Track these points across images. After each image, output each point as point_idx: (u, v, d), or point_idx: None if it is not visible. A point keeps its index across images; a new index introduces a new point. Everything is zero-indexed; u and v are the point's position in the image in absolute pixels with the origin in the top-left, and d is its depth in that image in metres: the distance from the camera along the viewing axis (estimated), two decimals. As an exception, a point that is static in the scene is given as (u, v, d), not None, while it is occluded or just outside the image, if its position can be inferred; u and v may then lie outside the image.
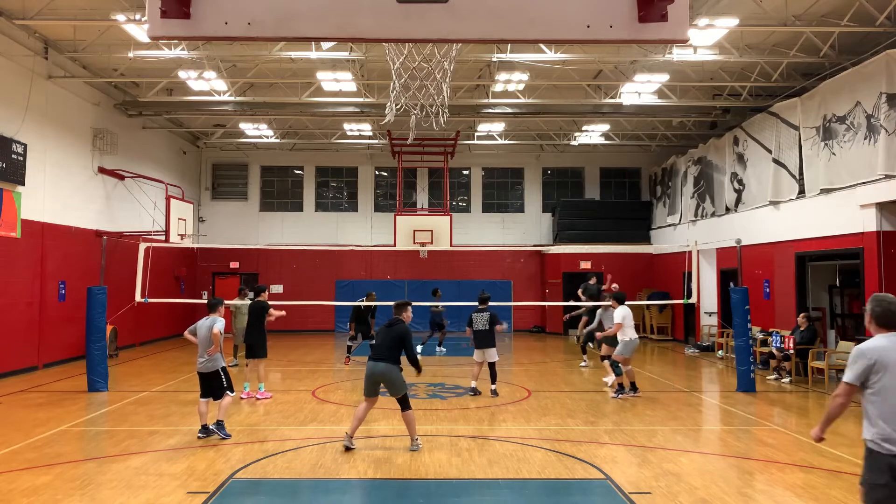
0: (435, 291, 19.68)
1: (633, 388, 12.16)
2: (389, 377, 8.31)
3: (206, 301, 10.39)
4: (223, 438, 8.84)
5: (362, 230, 26.48)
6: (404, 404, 8.36)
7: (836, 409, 4.56)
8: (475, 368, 12.42)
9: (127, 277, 14.57)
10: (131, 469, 7.50)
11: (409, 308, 8.85)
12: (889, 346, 4.36)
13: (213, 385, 9.05)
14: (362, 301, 17.14)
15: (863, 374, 4.36)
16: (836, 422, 10.00)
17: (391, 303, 22.85)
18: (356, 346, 17.36)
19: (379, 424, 9.86)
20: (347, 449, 8.24)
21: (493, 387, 12.22)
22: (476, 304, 12.69)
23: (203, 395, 9.15)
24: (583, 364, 16.48)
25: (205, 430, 8.97)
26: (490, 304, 12.62)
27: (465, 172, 27.05)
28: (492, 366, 12.22)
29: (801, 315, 14.49)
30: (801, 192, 15.37)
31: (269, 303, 12.58)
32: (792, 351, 14.06)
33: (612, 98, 18.29)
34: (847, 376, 4.43)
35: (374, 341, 16.66)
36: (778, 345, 14.48)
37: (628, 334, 12.01)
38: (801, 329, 14.19)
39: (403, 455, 8.11)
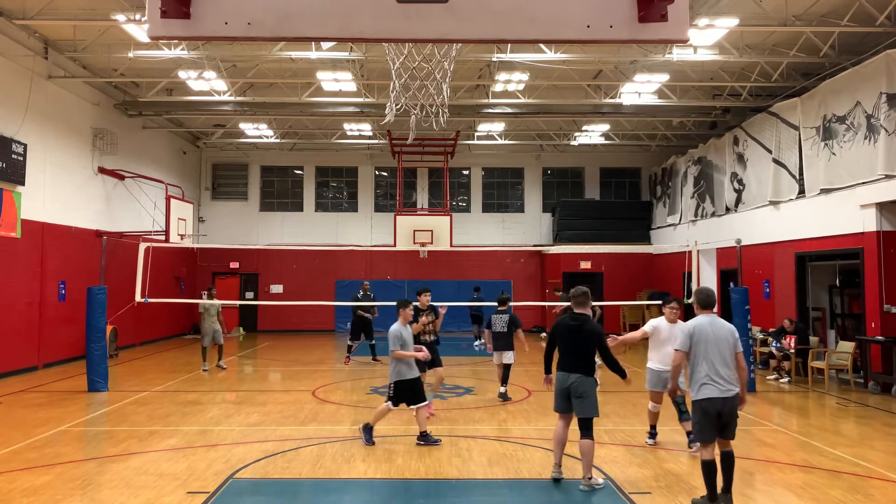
0: (477, 289, 21.77)
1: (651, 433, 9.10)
2: (582, 389, 6.86)
3: (205, 301, 10.16)
4: (434, 443, 8.50)
5: (362, 230, 26.48)
6: (588, 429, 6.83)
7: (676, 369, 6.57)
8: (499, 371, 12.01)
9: (127, 277, 14.56)
10: (131, 469, 7.49)
11: (590, 299, 7.27)
12: (706, 323, 6.22)
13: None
14: (359, 293, 17.13)
15: (687, 342, 6.23)
16: (837, 422, 10.08)
17: (392, 303, 22.97)
18: (356, 347, 17.36)
19: (379, 424, 9.85)
20: (556, 480, 7.06)
21: (503, 389, 11.84)
22: (496, 305, 12.35)
23: (409, 403, 8.70)
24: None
25: (423, 436, 8.65)
26: (491, 304, 12.50)
27: (465, 172, 27.05)
28: (507, 367, 11.87)
29: (786, 321, 14.44)
30: (801, 192, 15.37)
31: (434, 305, 11.15)
32: (792, 351, 14.06)
33: (612, 98, 18.29)
34: (678, 345, 6.40)
35: (372, 342, 16.80)
36: (777, 345, 14.49)
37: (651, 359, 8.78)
38: (787, 331, 14.25)
39: (403, 455, 8.10)
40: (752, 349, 13.21)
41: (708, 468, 6.16)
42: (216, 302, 15.70)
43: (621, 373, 7.08)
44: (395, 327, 8.59)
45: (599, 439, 8.99)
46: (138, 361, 17.20)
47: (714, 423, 6.14)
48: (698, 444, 7.69)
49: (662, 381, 8.40)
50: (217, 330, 15.42)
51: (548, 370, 7.45)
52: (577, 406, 6.88)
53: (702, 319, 6.30)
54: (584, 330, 6.95)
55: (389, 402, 8.59)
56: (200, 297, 25.15)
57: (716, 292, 6.64)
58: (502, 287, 25.19)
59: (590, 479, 6.85)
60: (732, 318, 13.61)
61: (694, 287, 14.78)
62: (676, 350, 6.43)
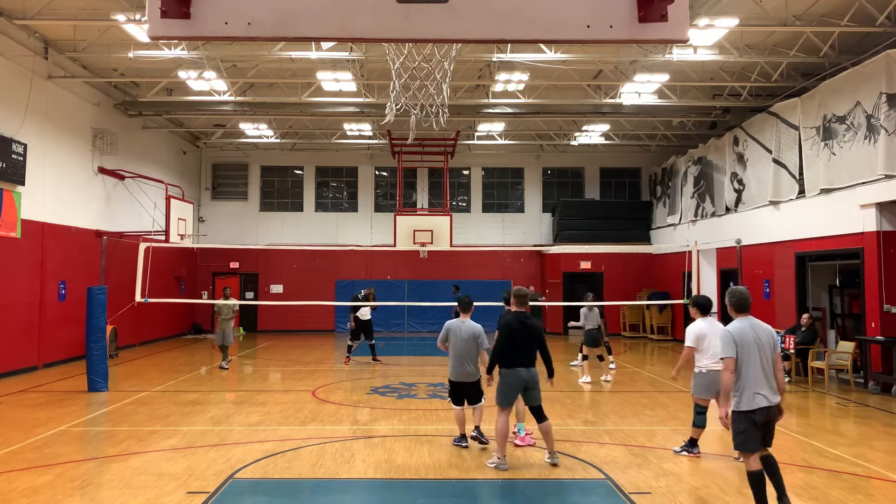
0: (456, 288, 22.27)
1: (692, 444, 8.20)
2: (535, 381, 7.57)
3: (205, 301, 10.06)
4: (484, 444, 8.41)
5: (362, 230, 26.49)
6: (542, 412, 7.63)
7: (730, 379, 5.81)
8: None
9: (127, 277, 14.56)
10: (131, 469, 7.50)
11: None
12: (747, 328, 5.80)
13: (473, 393, 8.44)
14: (360, 293, 17.14)
15: (734, 348, 5.72)
16: (837, 422, 10.06)
17: (392, 303, 22.84)
18: (356, 347, 17.35)
19: (379, 424, 9.86)
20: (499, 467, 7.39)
21: None
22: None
23: (458, 403, 8.48)
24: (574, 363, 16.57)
25: (463, 438, 8.49)
26: (491, 304, 12.64)
27: (465, 172, 27.05)
28: None
29: (805, 315, 14.46)
30: (801, 192, 15.37)
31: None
32: (792, 351, 14.06)
33: (612, 98, 18.29)
34: (724, 353, 5.80)
35: (372, 342, 16.79)
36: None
37: (702, 363, 7.99)
38: (803, 329, 14.19)
39: (403, 455, 8.10)
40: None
41: (756, 478, 5.83)
42: (229, 302, 15.92)
43: (552, 371, 7.70)
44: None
45: (599, 439, 9.00)
46: (138, 361, 17.21)
47: (760, 432, 5.84)
48: (695, 450, 8.07)
49: (703, 384, 7.92)
50: (227, 331, 15.64)
51: (491, 370, 7.87)
52: (530, 397, 7.55)
53: (741, 324, 5.86)
54: (534, 328, 7.60)
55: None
56: (200, 297, 25.29)
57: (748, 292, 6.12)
58: (503, 287, 25.13)
59: (554, 453, 7.61)
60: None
61: (694, 288, 14.80)
62: (725, 358, 5.81)
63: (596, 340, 14.25)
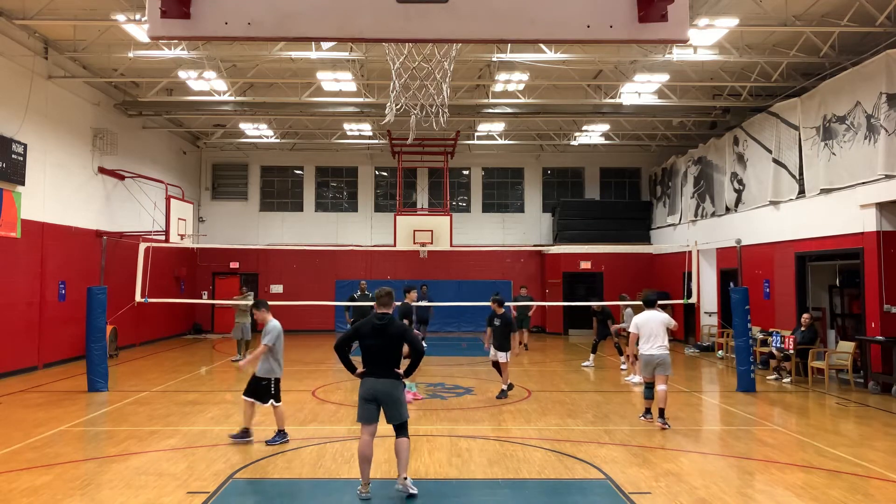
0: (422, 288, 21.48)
1: (660, 414, 9.69)
2: (391, 397, 6.64)
3: (205, 301, 10.20)
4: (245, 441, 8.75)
5: (362, 230, 26.48)
6: (403, 429, 6.71)
7: None
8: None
9: (127, 277, 14.57)
10: (131, 469, 7.50)
11: (393, 299, 6.95)
12: None
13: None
14: (356, 293, 17.29)
15: None
16: (837, 422, 10.11)
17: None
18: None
19: (378, 424, 9.84)
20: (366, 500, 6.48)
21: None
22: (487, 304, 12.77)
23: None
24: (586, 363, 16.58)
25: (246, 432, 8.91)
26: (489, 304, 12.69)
27: (465, 172, 27.05)
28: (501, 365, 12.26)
29: (806, 315, 14.46)
30: (801, 192, 15.37)
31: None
32: (792, 351, 14.06)
33: (612, 98, 18.28)
34: None
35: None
36: (778, 345, 14.48)
37: (641, 348, 9.87)
38: (803, 329, 14.19)
39: (403, 455, 8.09)
40: (751, 349, 13.20)
41: None
42: (242, 303, 16.68)
43: (409, 372, 6.79)
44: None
45: (599, 439, 9.00)
46: (138, 361, 17.20)
47: None
48: (648, 416, 9.91)
49: (642, 364, 9.98)
50: (244, 327, 16.69)
51: (352, 366, 6.97)
52: (387, 414, 6.61)
53: None
54: (390, 330, 6.63)
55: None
56: (200, 297, 25.29)
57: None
58: (503, 287, 25.12)
59: (406, 479, 6.53)
60: (733, 318, 13.64)
61: (694, 288, 14.82)
62: None
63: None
